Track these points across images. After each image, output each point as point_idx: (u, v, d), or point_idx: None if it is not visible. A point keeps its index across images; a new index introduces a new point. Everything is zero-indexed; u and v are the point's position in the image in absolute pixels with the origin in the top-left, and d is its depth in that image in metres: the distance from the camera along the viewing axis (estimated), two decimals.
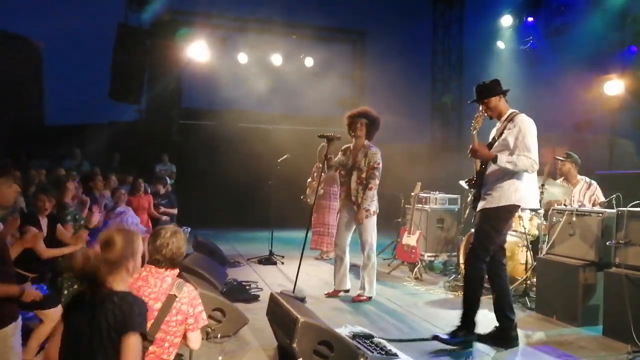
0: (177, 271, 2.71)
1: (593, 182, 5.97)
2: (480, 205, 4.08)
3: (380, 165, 5.42)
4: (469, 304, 4.06)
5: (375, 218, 5.48)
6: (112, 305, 2.04)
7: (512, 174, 3.99)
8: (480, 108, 4.15)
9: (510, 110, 4.13)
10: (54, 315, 3.55)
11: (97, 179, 6.86)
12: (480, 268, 4.04)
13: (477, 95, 4.16)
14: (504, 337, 4.07)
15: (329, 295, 5.61)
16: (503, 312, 4.09)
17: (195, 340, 2.65)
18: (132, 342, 2.03)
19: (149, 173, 9.98)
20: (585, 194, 5.89)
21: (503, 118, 4.12)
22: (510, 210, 4.03)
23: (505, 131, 4.01)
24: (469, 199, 7.04)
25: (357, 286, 5.65)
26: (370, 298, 5.50)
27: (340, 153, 5.59)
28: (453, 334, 4.01)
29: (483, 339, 4.10)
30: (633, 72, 9.39)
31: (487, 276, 4.18)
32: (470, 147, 3.98)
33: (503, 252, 4.23)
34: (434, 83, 14.47)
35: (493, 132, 4.25)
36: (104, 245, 2.16)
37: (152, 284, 2.59)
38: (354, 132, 5.42)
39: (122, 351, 2.01)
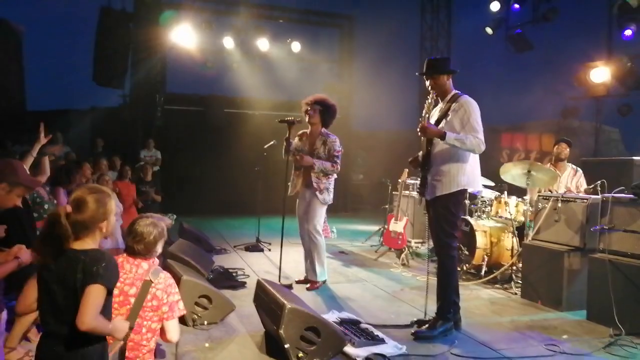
0: (153, 259, 2.70)
1: (579, 169, 6.04)
2: (431, 192, 4.03)
3: (341, 153, 5.37)
4: (448, 292, 4.03)
5: (324, 208, 5.40)
6: (80, 263, 2.02)
7: (458, 157, 3.95)
8: (428, 84, 4.09)
9: (454, 91, 4.09)
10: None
11: (85, 166, 6.74)
12: (453, 255, 4.06)
13: (426, 70, 4.11)
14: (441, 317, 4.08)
15: (299, 282, 5.56)
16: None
17: (172, 330, 2.62)
18: (93, 291, 1.99)
19: (133, 159, 9.86)
20: (572, 180, 5.95)
21: (447, 98, 4.06)
22: (462, 194, 4.04)
23: (450, 112, 3.95)
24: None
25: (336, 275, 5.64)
26: (324, 282, 5.46)
27: (296, 138, 5.53)
28: (431, 326, 3.97)
29: (425, 324, 4.08)
30: (619, 59, 9.43)
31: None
32: (420, 125, 3.91)
33: (440, 244, 4.16)
34: (422, 69, 14.43)
35: (435, 114, 4.16)
36: (75, 207, 2.10)
37: (127, 270, 2.60)
38: (307, 118, 5.37)
39: (82, 300, 1.98)
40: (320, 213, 5.38)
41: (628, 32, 9.28)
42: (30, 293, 2.19)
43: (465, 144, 3.83)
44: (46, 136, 4.11)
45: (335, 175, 5.43)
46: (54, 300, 2.04)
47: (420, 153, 4.21)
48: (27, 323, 3.49)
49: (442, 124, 3.99)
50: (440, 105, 4.16)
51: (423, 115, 4.08)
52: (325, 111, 5.36)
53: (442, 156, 3.99)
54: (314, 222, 5.34)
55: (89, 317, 1.97)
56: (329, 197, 5.35)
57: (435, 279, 4.14)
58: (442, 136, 3.81)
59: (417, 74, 4.37)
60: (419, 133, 3.94)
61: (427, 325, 4.01)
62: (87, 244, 2.12)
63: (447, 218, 4.00)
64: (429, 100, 4.10)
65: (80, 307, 1.97)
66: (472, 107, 3.93)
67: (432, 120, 4.10)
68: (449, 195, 3.96)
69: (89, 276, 2.00)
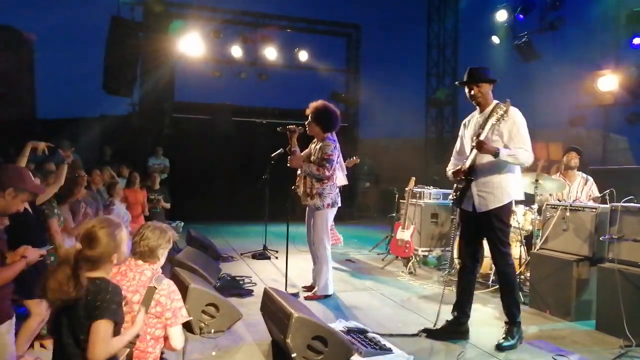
0: (157, 266, 2.72)
1: (589, 178, 5.98)
2: (483, 205, 3.99)
3: (333, 157, 5.21)
4: (515, 298, 4.11)
5: (328, 212, 5.26)
6: (88, 294, 2.08)
7: (508, 169, 3.97)
8: (471, 93, 4.05)
9: (495, 102, 4.06)
10: (43, 307, 3.49)
11: (95, 173, 6.78)
12: (512, 263, 4.13)
13: (469, 78, 4.06)
14: (456, 330, 4.15)
15: (306, 287, 5.56)
16: (463, 308, 4.18)
17: (176, 337, 2.61)
18: (99, 328, 2.06)
19: (142, 167, 9.92)
20: (582, 189, 5.90)
21: (488, 109, 4.02)
22: (511, 203, 4.11)
23: (501, 124, 3.89)
24: (450, 196, 6.99)
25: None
26: (326, 296, 5.31)
27: (309, 147, 5.53)
28: (510, 335, 3.98)
29: (434, 334, 4.12)
30: (626, 67, 9.40)
31: (459, 274, 4.28)
32: (477, 140, 3.84)
33: (476, 257, 4.29)
34: (429, 77, 14.47)
35: (472, 123, 4.14)
36: (86, 243, 2.17)
37: (130, 277, 2.61)
38: (309, 131, 5.38)
39: (90, 337, 2.04)
40: (320, 220, 5.26)
41: (637, 41, 9.25)
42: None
43: (518, 159, 3.85)
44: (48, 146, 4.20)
45: (332, 182, 5.28)
46: (61, 332, 2.11)
47: (455, 162, 4.24)
48: (32, 330, 3.51)
49: (488, 134, 3.90)
50: (477, 116, 4.13)
51: (475, 129, 4.04)
52: (319, 118, 5.29)
53: (491, 168, 3.97)
54: (317, 231, 5.28)
55: (100, 352, 2.05)
56: (321, 202, 5.20)
57: (448, 289, 4.16)
58: (496, 154, 3.80)
59: (456, 83, 4.36)
60: (475, 148, 3.88)
61: (504, 336, 3.99)
62: (99, 273, 2.20)
63: (502, 229, 4.03)
64: (477, 116, 4.11)
65: (90, 344, 2.04)
66: (521, 119, 3.95)
67: (473, 130, 4.09)
68: (503, 207, 3.99)
69: (96, 310, 2.06)
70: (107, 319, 2.08)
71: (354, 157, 7.48)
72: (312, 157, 5.30)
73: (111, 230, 2.23)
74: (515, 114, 3.94)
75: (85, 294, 2.08)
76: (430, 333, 4.13)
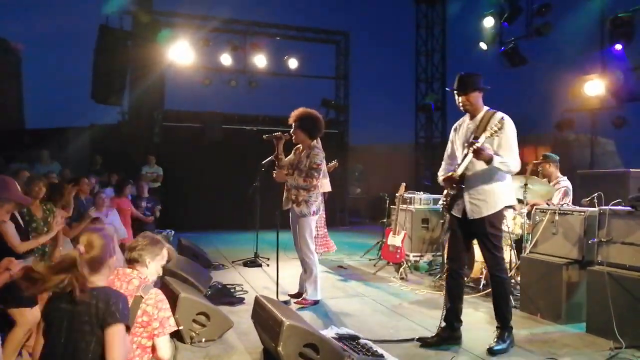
0: (144, 275, 2.74)
1: (561, 181, 5.97)
2: (476, 212, 3.99)
3: (321, 167, 5.29)
4: (509, 303, 4.12)
5: (313, 218, 5.30)
6: (95, 300, 2.11)
7: (499, 177, 3.99)
8: (459, 100, 4.07)
9: (486, 108, 4.07)
10: (29, 316, 3.45)
11: (83, 182, 6.72)
12: (506, 268, 4.18)
13: (459, 86, 4.06)
14: (451, 336, 4.14)
15: (292, 295, 5.54)
16: (456, 314, 4.18)
17: (163, 347, 2.58)
18: (117, 331, 2.11)
19: (133, 175, 9.87)
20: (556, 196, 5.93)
21: (479, 116, 4.03)
22: (504, 210, 4.15)
23: (494, 132, 3.89)
24: (440, 202, 7.00)
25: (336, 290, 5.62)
26: (316, 302, 5.33)
27: (292, 153, 5.54)
28: (501, 339, 3.98)
29: (429, 343, 4.09)
30: (613, 72, 9.53)
31: (447, 280, 4.25)
32: (475, 147, 3.81)
33: (463, 262, 4.34)
34: (418, 83, 14.57)
35: (463, 129, 4.15)
36: (87, 246, 2.23)
37: (117, 287, 2.60)
38: (293, 139, 5.38)
39: (108, 342, 2.08)
40: (305, 227, 5.26)
41: (618, 47, 9.39)
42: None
43: (509, 167, 3.88)
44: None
45: (317, 190, 5.31)
46: (59, 338, 2.11)
47: (445, 168, 4.26)
48: (17, 340, 3.46)
49: (482, 142, 3.87)
50: (468, 121, 4.13)
51: (466, 135, 4.06)
52: (304, 125, 5.30)
53: (483, 175, 3.99)
54: (304, 237, 5.28)
55: (120, 356, 2.09)
56: (307, 209, 5.22)
57: (437, 293, 4.14)
58: (490, 160, 3.81)
59: (447, 89, 4.39)
60: (472, 155, 3.85)
61: (495, 340, 3.99)
62: (100, 279, 2.24)
63: (495, 235, 4.04)
64: (468, 122, 4.12)
65: (109, 348, 2.08)
66: (512, 128, 3.97)
67: (464, 136, 4.09)
68: (496, 214, 4.01)
69: (107, 315, 2.10)
70: (122, 322, 2.14)
71: (334, 162, 7.51)
72: (301, 165, 5.29)
73: (105, 235, 2.31)
74: (508, 122, 3.96)
75: (90, 299, 2.11)
76: (425, 342, 4.10)
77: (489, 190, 3.99)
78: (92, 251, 2.22)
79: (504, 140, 3.92)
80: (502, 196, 4.02)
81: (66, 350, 2.10)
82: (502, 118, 3.94)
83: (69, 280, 2.11)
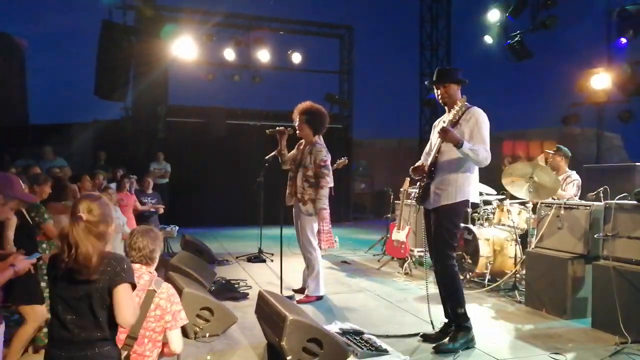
0: (153, 270, 2.74)
1: (572, 174, 5.89)
2: (435, 201, 3.95)
3: (328, 162, 5.24)
4: (459, 301, 3.95)
5: (312, 219, 5.25)
6: (107, 265, 2.13)
7: (466, 168, 3.91)
8: (438, 93, 4.06)
9: (465, 103, 4.00)
10: (39, 313, 3.46)
11: (85, 180, 6.72)
12: (454, 264, 3.96)
13: (437, 79, 4.05)
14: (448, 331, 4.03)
15: (296, 291, 5.53)
16: (446, 311, 4.08)
17: (176, 340, 2.61)
18: (125, 290, 2.13)
19: (139, 171, 9.88)
20: (562, 185, 5.86)
21: (455, 109, 3.96)
22: (465, 205, 4.00)
23: (461, 122, 3.90)
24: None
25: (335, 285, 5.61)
26: (319, 297, 5.29)
27: (295, 148, 5.50)
28: (453, 339, 3.87)
29: (432, 338, 4.01)
30: (619, 65, 9.45)
31: (436, 277, 4.12)
32: (442, 128, 3.80)
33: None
34: (422, 78, 14.49)
35: (439, 124, 4.13)
36: (88, 212, 2.22)
37: None
38: (298, 132, 5.33)
39: (117, 301, 2.10)
40: (309, 225, 5.24)
41: (623, 41, 9.31)
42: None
43: (478, 155, 3.78)
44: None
45: (327, 188, 5.23)
46: (68, 307, 2.13)
47: (422, 161, 4.17)
48: (26, 336, 3.48)
49: (446, 123, 3.91)
50: (446, 115, 4.10)
51: (445, 120, 4.04)
52: (312, 119, 5.27)
53: (449, 165, 3.94)
54: (306, 234, 5.26)
55: (130, 313, 2.12)
56: (313, 208, 5.18)
57: (433, 288, 4.09)
58: (459, 144, 3.74)
59: (426, 83, 4.36)
60: (439, 135, 3.85)
61: (448, 338, 3.92)
62: (102, 246, 2.22)
63: (448, 229, 3.93)
64: (445, 117, 4.07)
65: (119, 308, 2.10)
66: (483, 119, 3.91)
67: (437, 130, 4.05)
68: (453, 205, 3.91)
69: (114, 277, 2.12)
70: (129, 282, 2.16)
71: (343, 159, 7.43)
72: (305, 162, 5.26)
73: (102, 201, 2.29)
74: (479, 114, 3.92)
75: (103, 265, 2.12)
76: (427, 338, 4.06)
77: (452, 180, 3.91)
78: (92, 217, 2.21)
79: (476, 131, 3.87)
80: (462, 188, 3.90)
81: (73, 322, 2.12)
82: (475, 109, 3.92)
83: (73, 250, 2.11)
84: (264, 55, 12.82)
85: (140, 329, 2.50)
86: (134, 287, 2.21)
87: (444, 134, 3.78)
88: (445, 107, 4.10)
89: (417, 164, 4.16)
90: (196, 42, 11.88)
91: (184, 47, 11.60)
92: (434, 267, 4.08)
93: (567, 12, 10.83)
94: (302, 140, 5.45)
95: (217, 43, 12.52)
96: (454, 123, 3.93)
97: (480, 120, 3.89)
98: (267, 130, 5.45)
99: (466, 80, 4.08)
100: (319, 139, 5.38)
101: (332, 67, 14.49)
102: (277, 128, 5.32)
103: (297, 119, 5.31)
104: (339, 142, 12.33)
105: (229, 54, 12.65)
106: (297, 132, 5.34)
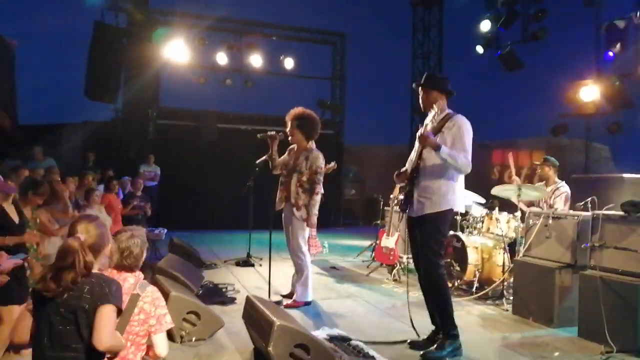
0: (139, 273, 2.70)
1: (561, 187, 5.96)
2: (419, 209, 3.93)
3: (323, 169, 5.29)
4: (447, 309, 3.94)
5: (304, 224, 5.25)
6: (89, 285, 2.13)
7: (449, 176, 3.91)
8: (420, 95, 4.10)
9: (448, 110, 4.04)
10: (16, 314, 3.40)
11: (69, 181, 6.65)
12: (442, 273, 3.95)
13: (423, 80, 4.10)
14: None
15: (285, 296, 5.51)
16: (433, 318, 4.09)
17: (161, 344, 2.59)
18: (106, 311, 2.11)
19: (130, 172, 9.81)
20: (551, 197, 5.92)
21: (440, 116, 4.00)
22: (450, 213, 3.99)
23: (444, 129, 3.91)
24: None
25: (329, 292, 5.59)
26: (307, 303, 5.29)
27: (286, 153, 5.51)
28: (440, 347, 3.86)
29: (419, 345, 4.01)
30: (608, 78, 9.56)
31: (420, 285, 4.15)
32: (420, 132, 3.82)
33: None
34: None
35: (421, 129, 4.11)
36: (86, 234, 2.24)
37: None
38: (290, 138, 5.34)
39: (97, 321, 2.09)
40: (301, 230, 5.23)
41: (610, 54, 9.43)
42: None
43: (457, 161, 3.78)
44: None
45: (320, 195, 5.27)
46: (52, 325, 2.11)
47: (407, 167, 4.17)
48: (4, 337, 3.41)
49: (428, 129, 3.94)
50: (430, 121, 4.11)
51: (424, 124, 4.06)
52: (303, 125, 5.28)
53: (432, 173, 3.93)
54: (297, 239, 5.25)
55: (106, 336, 2.09)
56: (307, 214, 5.19)
57: (420, 295, 4.08)
58: (438, 148, 3.74)
59: (414, 85, 4.36)
60: (417, 140, 3.86)
61: (435, 346, 3.89)
62: (95, 265, 2.25)
63: (435, 237, 3.91)
64: (433, 113, 4.08)
65: (96, 328, 2.08)
66: (466, 127, 3.91)
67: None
68: (439, 214, 3.89)
69: (100, 297, 2.11)
70: (113, 304, 2.14)
71: (333, 163, 7.40)
72: (299, 168, 5.25)
73: (99, 222, 2.34)
74: (462, 122, 3.92)
75: (85, 284, 2.12)
76: (414, 345, 4.05)
77: (435, 189, 3.90)
78: (90, 239, 2.24)
79: (458, 139, 3.87)
80: (446, 197, 3.89)
81: (57, 334, 2.11)
82: (458, 118, 3.93)
83: (72, 262, 2.12)
84: (256, 60, 12.83)
85: (124, 332, 2.47)
86: (119, 311, 2.21)
87: (423, 140, 3.81)
88: (429, 115, 4.13)
89: (401, 170, 4.17)
90: (188, 45, 11.86)
91: (176, 50, 11.57)
92: (421, 274, 4.07)
93: (557, 25, 10.96)
94: (294, 146, 5.44)
95: (209, 47, 12.51)
96: (437, 130, 3.93)
97: (463, 129, 3.89)
98: (258, 135, 5.45)
99: (452, 92, 4.08)
100: (313, 145, 5.39)
101: (324, 73, 14.53)
102: (269, 132, 5.32)
103: (289, 124, 5.31)
104: (331, 148, 12.32)
105: (221, 58, 12.65)
106: (289, 137, 5.34)
